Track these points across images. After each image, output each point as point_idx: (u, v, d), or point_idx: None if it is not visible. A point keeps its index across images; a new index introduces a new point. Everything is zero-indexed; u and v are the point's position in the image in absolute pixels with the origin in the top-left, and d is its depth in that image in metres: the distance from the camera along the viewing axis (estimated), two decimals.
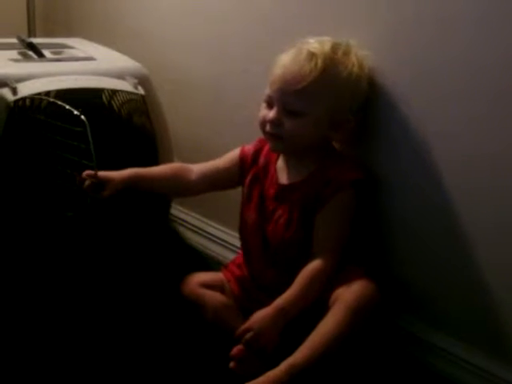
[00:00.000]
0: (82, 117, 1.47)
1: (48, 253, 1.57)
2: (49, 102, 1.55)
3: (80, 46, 1.92)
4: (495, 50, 1.21)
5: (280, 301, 1.34)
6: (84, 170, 1.47)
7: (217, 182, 1.57)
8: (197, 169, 1.57)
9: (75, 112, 1.48)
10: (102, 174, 1.47)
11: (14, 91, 1.55)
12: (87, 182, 1.47)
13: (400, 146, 1.39)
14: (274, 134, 1.40)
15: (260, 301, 1.44)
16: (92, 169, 1.46)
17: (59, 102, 1.53)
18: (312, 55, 1.35)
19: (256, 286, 1.50)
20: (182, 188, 1.59)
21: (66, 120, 1.50)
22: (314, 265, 1.37)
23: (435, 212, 1.36)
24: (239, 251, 1.60)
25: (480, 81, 1.24)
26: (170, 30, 1.96)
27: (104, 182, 1.47)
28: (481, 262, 1.30)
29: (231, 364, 1.34)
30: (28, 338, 1.43)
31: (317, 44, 1.37)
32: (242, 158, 1.54)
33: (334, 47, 1.37)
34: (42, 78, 1.61)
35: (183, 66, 1.91)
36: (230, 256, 1.74)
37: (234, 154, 1.55)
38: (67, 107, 1.50)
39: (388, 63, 1.38)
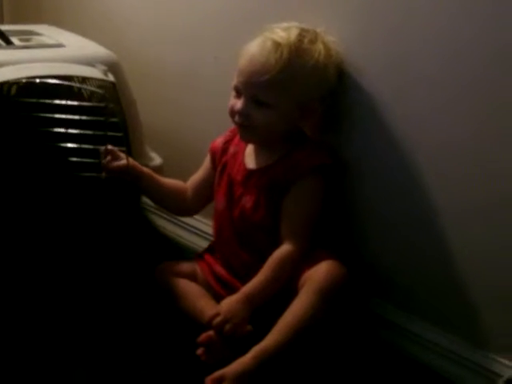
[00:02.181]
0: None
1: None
2: (18, 87, 1.53)
3: (49, 32, 1.89)
4: (467, 34, 1.21)
5: (248, 286, 1.35)
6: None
7: (206, 191, 1.58)
8: (189, 186, 1.60)
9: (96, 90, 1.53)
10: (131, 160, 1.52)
11: None
12: (108, 157, 1.50)
13: (370, 130, 1.39)
14: (243, 124, 1.40)
15: (233, 287, 1.44)
16: (121, 140, 1.51)
17: (66, 83, 1.53)
18: (277, 45, 1.34)
19: (229, 271, 1.50)
20: (179, 206, 1.62)
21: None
22: (282, 250, 1.37)
23: (404, 195, 1.37)
24: (212, 239, 1.60)
25: (451, 65, 1.25)
26: (140, 16, 1.93)
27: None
28: (450, 244, 1.32)
29: (198, 351, 1.34)
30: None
31: (282, 33, 1.36)
32: (212, 155, 1.55)
33: (301, 35, 1.36)
34: (10, 65, 1.58)
35: (154, 52, 1.90)
36: (203, 244, 1.73)
37: (207, 158, 1.57)
38: (86, 87, 1.54)
39: (357, 48, 1.38)
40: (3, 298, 1.49)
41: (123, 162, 1.51)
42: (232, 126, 1.49)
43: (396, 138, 1.34)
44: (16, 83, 1.53)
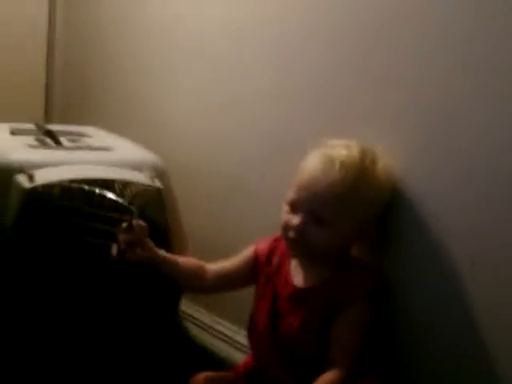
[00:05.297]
0: (132, 207, 1.47)
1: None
2: (61, 190, 1.54)
3: (97, 135, 1.94)
4: None
5: None
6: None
7: (230, 282, 1.56)
8: (211, 269, 1.55)
9: (121, 201, 1.51)
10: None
11: (31, 178, 1.53)
12: (124, 237, 1.44)
13: (419, 252, 1.36)
14: (298, 240, 1.38)
15: None
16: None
17: (98, 190, 1.54)
18: (341, 165, 1.33)
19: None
20: (197, 286, 1.57)
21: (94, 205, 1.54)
22: (331, 375, 1.33)
23: (452, 319, 1.32)
24: (250, 351, 1.56)
25: (501, 184, 1.23)
26: (188, 120, 1.97)
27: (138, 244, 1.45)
28: (498, 367, 1.26)
29: None
30: None
31: (345, 151, 1.36)
32: (256, 259, 1.52)
33: (362, 155, 1.36)
34: (58, 165, 1.61)
35: (202, 157, 1.92)
36: (239, 356, 1.71)
37: (247, 254, 1.53)
38: (110, 196, 1.53)
39: (411, 169, 1.37)
40: None
41: (142, 253, 1.46)
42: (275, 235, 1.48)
43: (446, 261, 1.31)
44: (59, 185, 1.55)
